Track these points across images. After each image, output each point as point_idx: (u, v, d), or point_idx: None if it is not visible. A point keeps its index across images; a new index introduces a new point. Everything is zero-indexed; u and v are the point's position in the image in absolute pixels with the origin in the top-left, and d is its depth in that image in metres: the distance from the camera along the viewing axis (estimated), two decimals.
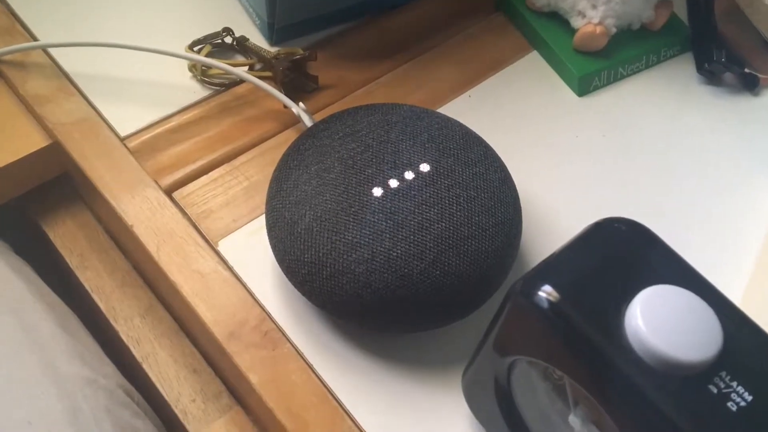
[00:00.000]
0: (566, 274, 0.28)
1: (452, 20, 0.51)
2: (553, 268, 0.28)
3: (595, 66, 0.47)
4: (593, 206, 0.43)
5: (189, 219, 0.40)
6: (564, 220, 0.42)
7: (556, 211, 0.42)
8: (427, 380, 0.36)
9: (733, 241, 0.42)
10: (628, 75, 0.49)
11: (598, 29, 0.46)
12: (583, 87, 0.47)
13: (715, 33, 0.49)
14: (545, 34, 0.49)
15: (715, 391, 0.25)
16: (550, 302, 0.27)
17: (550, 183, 0.44)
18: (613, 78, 0.48)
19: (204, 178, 0.41)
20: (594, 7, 0.46)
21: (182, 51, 0.45)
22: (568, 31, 0.48)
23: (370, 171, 0.36)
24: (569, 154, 0.45)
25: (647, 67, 0.50)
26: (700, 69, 0.49)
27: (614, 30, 0.47)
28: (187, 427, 0.38)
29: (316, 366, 0.36)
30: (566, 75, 0.48)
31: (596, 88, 0.48)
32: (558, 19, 0.49)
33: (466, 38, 0.50)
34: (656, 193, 0.44)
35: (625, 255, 0.28)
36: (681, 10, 0.52)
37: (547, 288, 0.27)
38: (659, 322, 0.26)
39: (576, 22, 0.47)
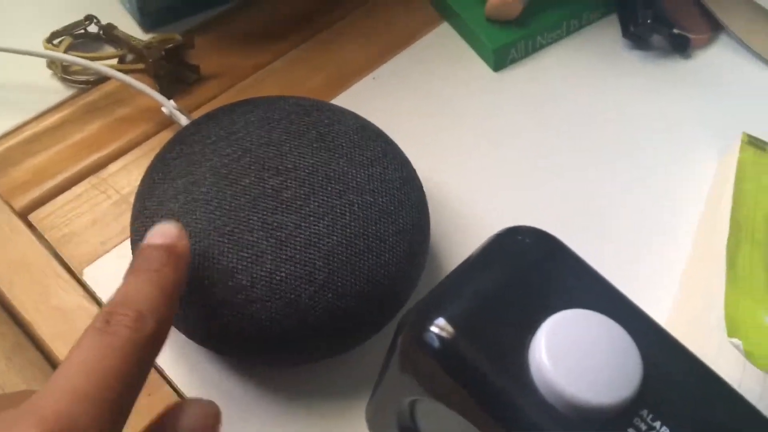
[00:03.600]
0: (463, 301, 0.24)
1: None
2: (447, 295, 0.24)
3: (511, 37, 0.43)
4: (514, 201, 0.38)
5: (48, 245, 0.34)
6: (481, 218, 0.38)
7: (471, 209, 0.38)
8: (329, 414, 0.32)
9: (671, 217, 0.38)
10: (548, 44, 0.44)
11: None
12: (499, 61, 0.43)
13: None
14: (455, 3, 0.44)
15: None
16: (442, 339, 0.23)
17: (464, 176, 0.39)
18: (532, 49, 0.44)
19: (66, 195, 0.36)
20: None
21: (38, 46, 0.39)
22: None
23: (247, 180, 0.31)
24: (485, 139, 0.40)
25: (568, 34, 0.45)
26: (625, 33, 0.45)
27: None
28: None
29: None
30: (480, 48, 0.43)
31: (513, 61, 0.43)
32: None
33: (369, 11, 0.45)
34: (584, 175, 0.40)
35: (530, 274, 0.24)
36: None
37: (441, 321, 0.23)
38: (566, 357, 0.22)
39: None
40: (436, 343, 0.23)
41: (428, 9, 0.46)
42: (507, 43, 0.42)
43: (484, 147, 0.40)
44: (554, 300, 0.23)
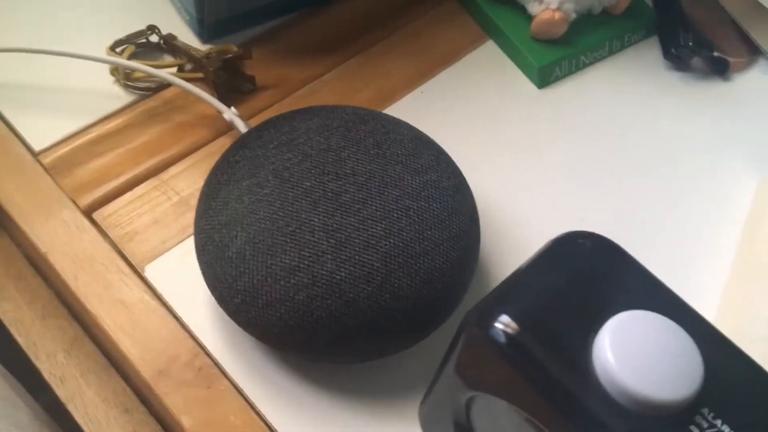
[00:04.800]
0: (526, 300, 0.25)
1: (400, 10, 0.47)
2: (510, 293, 0.25)
3: (555, 55, 0.44)
4: (559, 211, 0.39)
5: (111, 242, 0.36)
6: (527, 227, 0.39)
7: (517, 218, 0.39)
8: (381, 412, 0.32)
9: (711, 235, 0.39)
10: (591, 63, 0.46)
11: (557, 15, 0.43)
12: (543, 78, 0.44)
13: (682, 15, 0.46)
14: (501, 21, 0.45)
15: None
16: (507, 335, 0.24)
17: (510, 187, 0.40)
18: (575, 67, 0.45)
19: (128, 195, 0.37)
20: None
21: (102, 53, 0.41)
22: (525, 18, 0.45)
23: (308, 184, 0.32)
24: (530, 152, 0.42)
25: (611, 54, 0.46)
26: (666, 54, 0.46)
27: (574, 15, 0.44)
28: None
29: (257, 404, 0.32)
30: (525, 66, 0.44)
31: (557, 78, 0.45)
32: (514, 6, 0.45)
33: (416, 29, 0.46)
34: (625, 190, 0.41)
35: (591, 276, 0.25)
36: None
37: (505, 318, 0.24)
38: (631, 355, 0.22)
39: (533, 8, 0.44)
40: (502, 339, 0.24)
41: (473, 27, 0.47)
42: (552, 62, 0.44)
43: (527, 160, 0.41)
44: (615, 301, 0.24)
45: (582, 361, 0.23)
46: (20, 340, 0.37)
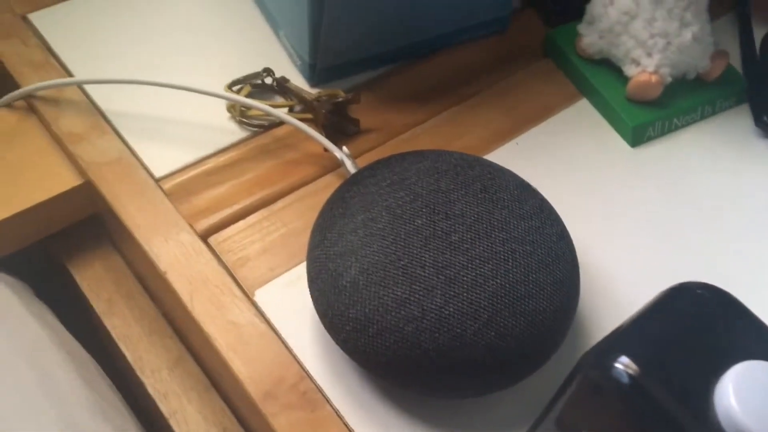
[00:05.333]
0: (644, 345, 0.25)
1: (499, 65, 0.49)
2: (628, 338, 0.26)
3: (649, 116, 0.45)
4: (650, 264, 0.40)
5: (224, 266, 0.38)
6: (621, 278, 0.39)
7: (612, 268, 0.40)
8: None
9: None
10: (683, 126, 0.47)
11: (654, 78, 0.44)
12: (637, 137, 0.45)
13: None
14: (596, 82, 0.47)
15: None
16: (629, 376, 0.24)
17: (604, 239, 0.41)
18: (668, 129, 0.46)
19: (241, 224, 0.39)
20: (649, 55, 0.44)
21: (221, 91, 0.43)
22: (621, 79, 0.46)
23: (419, 222, 0.34)
24: (623, 208, 0.43)
25: (702, 118, 0.47)
26: (758, 122, 0.47)
27: (669, 79, 0.45)
28: None
29: (358, 431, 0.33)
30: (619, 125, 0.46)
31: (650, 138, 0.46)
32: (609, 67, 0.47)
33: (513, 84, 0.48)
34: (714, 251, 0.41)
35: (709, 325, 0.26)
36: (737, 61, 0.50)
37: (625, 360, 0.25)
38: (754, 403, 0.23)
39: (629, 70, 0.46)
40: (624, 379, 0.24)
41: (567, 86, 0.49)
42: (645, 122, 0.45)
43: (620, 217, 0.42)
44: (734, 351, 0.25)
45: (703, 406, 0.24)
46: (128, 354, 0.39)
